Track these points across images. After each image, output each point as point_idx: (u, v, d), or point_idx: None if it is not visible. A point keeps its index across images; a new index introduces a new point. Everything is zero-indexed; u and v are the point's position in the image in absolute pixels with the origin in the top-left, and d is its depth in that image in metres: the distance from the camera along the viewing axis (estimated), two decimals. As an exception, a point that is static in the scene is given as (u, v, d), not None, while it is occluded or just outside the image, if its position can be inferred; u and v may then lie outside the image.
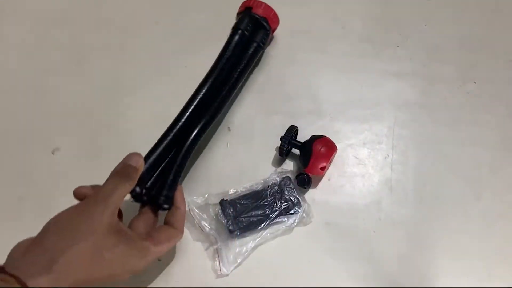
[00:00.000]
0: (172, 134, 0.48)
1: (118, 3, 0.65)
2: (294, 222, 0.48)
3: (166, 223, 0.43)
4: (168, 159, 0.48)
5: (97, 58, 0.60)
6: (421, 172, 0.54)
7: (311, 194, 0.51)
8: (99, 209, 0.35)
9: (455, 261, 0.49)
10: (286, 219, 0.48)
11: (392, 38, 0.63)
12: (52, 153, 0.53)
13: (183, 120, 0.49)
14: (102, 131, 0.55)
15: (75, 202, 0.38)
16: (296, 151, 0.53)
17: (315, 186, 0.52)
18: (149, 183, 0.45)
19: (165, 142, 0.47)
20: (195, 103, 0.51)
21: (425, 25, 0.63)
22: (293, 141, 0.52)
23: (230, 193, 0.49)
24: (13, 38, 0.62)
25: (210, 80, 0.52)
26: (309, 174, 0.50)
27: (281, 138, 0.51)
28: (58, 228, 0.34)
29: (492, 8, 0.65)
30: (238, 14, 0.58)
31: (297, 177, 0.50)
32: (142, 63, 0.60)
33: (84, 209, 0.36)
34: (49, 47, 0.61)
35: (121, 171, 0.39)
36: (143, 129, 0.55)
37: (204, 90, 0.51)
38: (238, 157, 0.54)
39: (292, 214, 0.48)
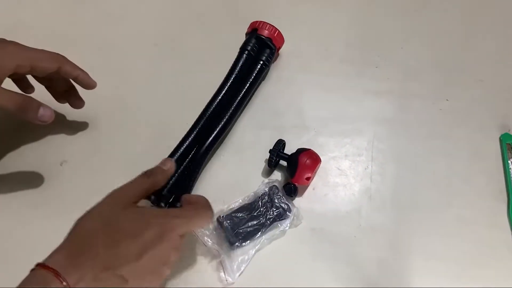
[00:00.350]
0: (183, 148, 0.52)
1: (119, 27, 0.67)
2: (287, 225, 0.51)
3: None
4: (181, 168, 0.51)
5: (101, 77, 0.61)
6: (398, 182, 0.56)
7: (298, 202, 0.53)
8: (113, 201, 0.38)
9: (430, 263, 0.51)
10: (279, 224, 0.51)
11: (371, 60, 0.64)
12: (61, 165, 0.55)
13: (194, 134, 0.53)
14: (106, 144, 0.57)
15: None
16: (283, 163, 0.55)
17: (301, 195, 0.54)
18: (165, 191, 0.49)
19: (178, 154, 0.51)
20: (205, 117, 0.54)
21: (401, 48, 0.65)
22: (281, 154, 0.54)
23: (224, 209, 0.51)
24: None
25: (220, 96, 0.56)
26: (296, 184, 0.52)
27: (270, 151, 0.53)
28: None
29: (462, 33, 0.67)
30: (246, 34, 0.61)
31: (284, 186, 0.52)
32: (143, 82, 0.62)
33: (102, 203, 0.38)
34: None
35: (149, 171, 0.42)
36: (146, 142, 0.57)
37: (214, 106, 0.55)
38: (231, 168, 0.56)
39: (284, 219, 0.51)
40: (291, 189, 0.52)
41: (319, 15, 0.68)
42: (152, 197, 0.47)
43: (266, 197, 0.52)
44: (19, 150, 0.56)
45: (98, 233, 0.35)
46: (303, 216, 0.52)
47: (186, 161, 0.52)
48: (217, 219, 0.50)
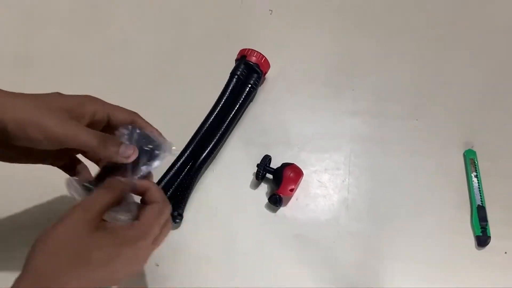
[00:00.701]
0: (180, 163, 0.54)
1: (121, 52, 0.69)
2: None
3: (144, 203, 0.39)
4: (178, 181, 0.54)
5: (108, 99, 0.63)
6: (372, 193, 0.58)
7: (283, 211, 0.56)
8: (78, 219, 0.33)
9: (401, 265, 0.54)
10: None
11: (349, 83, 0.67)
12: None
13: (189, 150, 0.56)
14: None
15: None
16: (270, 176, 0.58)
17: (286, 204, 0.57)
18: None
19: (174, 169, 0.54)
20: (199, 135, 0.57)
21: (376, 72, 0.68)
22: (267, 168, 0.57)
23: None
24: (42, 89, 0.64)
25: (212, 117, 0.59)
26: (281, 194, 0.55)
27: (258, 165, 0.56)
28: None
29: (430, 59, 0.69)
30: (236, 60, 0.64)
31: (270, 197, 0.55)
32: (143, 102, 0.61)
33: (64, 222, 0.33)
34: (66, 91, 0.62)
35: (107, 184, 0.37)
36: None
37: (207, 125, 0.58)
38: (223, 181, 0.58)
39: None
40: (277, 200, 0.55)
41: (302, 43, 0.71)
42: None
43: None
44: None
45: (65, 261, 0.31)
46: (287, 224, 0.55)
47: (182, 174, 0.55)
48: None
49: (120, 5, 0.73)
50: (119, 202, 0.37)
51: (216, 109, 0.60)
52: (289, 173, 0.55)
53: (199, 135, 0.58)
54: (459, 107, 0.66)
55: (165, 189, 0.54)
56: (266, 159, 0.57)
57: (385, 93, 0.67)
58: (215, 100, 0.60)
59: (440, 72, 0.69)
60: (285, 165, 0.56)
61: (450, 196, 0.59)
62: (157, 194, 0.39)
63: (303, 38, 0.72)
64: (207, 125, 0.58)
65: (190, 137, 0.58)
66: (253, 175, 0.59)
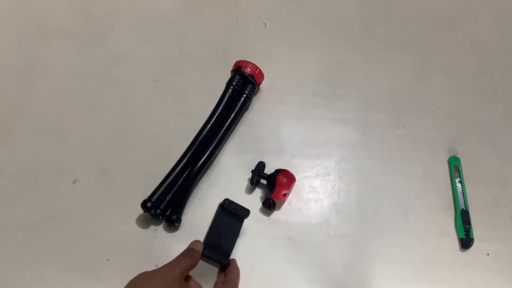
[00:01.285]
0: (179, 168, 0.56)
1: (123, 65, 0.71)
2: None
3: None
4: (176, 186, 0.56)
5: (108, 107, 0.65)
6: (361, 197, 0.61)
7: (276, 215, 0.58)
8: (169, 272, 0.43)
9: (388, 267, 0.56)
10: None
11: (338, 93, 0.69)
12: (73, 183, 0.59)
13: (187, 157, 0.57)
14: (112, 166, 0.61)
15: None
16: (264, 181, 0.59)
17: (279, 209, 0.59)
18: (162, 206, 0.54)
19: (174, 174, 0.56)
20: (197, 143, 0.58)
21: (364, 83, 0.70)
22: (261, 174, 0.59)
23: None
24: (45, 99, 0.66)
25: (209, 125, 0.60)
26: (274, 199, 0.57)
27: (252, 171, 0.58)
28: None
29: (416, 70, 0.72)
30: (231, 71, 0.65)
31: (264, 201, 0.57)
32: (144, 111, 0.66)
33: (159, 272, 0.43)
34: (70, 100, 0.66)
35: (186, 252, 0.47)
36: (147, 164, 0.61)
37: (204, 133, 0.59)
38: (219, 186, 0.60)
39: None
40: (270, 204, 0.57)
41: (295, 56, 0.73)
42: (152, 211, 0.53)
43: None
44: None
45: None
46: (280, 227, 0.57)
47: (181, 179, 0.57)
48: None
49: (122, 20, 0.75)
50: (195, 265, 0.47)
51: (213, 117, 0.61)
52: (282, 179, 0.57)
53: (197, 142, 0.59)
54: (444, 116, 0.69)
55: (164, 193, 0.55)
56: (261, 165, 0.59)
57: (373, 103, 0.69)
58: (212, 109, 0.62)
59: (425, 82, 0.72)
60: (278, 171, 0.58)
61: (435, 200, 0.62)
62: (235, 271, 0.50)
63: (295, 51, 0.74)
64: (204, 133, 0.60)
65: (188, 144, 0.60)
66: (248, 180, 0.61)
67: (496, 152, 0.66)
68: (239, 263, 0.51)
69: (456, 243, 0.59)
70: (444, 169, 0.64)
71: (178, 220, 0.55)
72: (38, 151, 0.62)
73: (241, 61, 0.65)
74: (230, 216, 0.52)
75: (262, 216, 0.59)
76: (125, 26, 0.75)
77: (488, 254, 0.58)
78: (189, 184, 0.57)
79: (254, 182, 0.59)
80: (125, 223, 0.57)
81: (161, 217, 0.55)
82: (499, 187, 0.63)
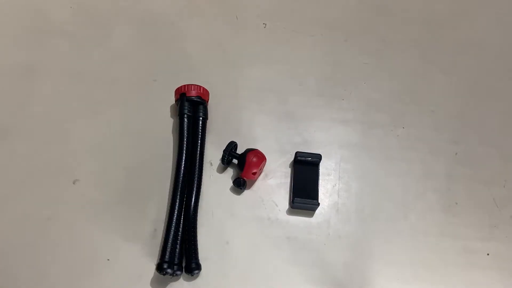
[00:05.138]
0: (175, 216, 0.53)
1: (123, 65, 0.71)
2: None
3: None
4: (180, 233, 0.53)
5: (108, 108, 0.65)
6: (361, 197, 0.60)
7: (276, 215, 0.58)
8: None
9: (388, 267, 0.56)
10: None
11: (338, 93, 0.68)
12: (73, 183, 0.60)
13: (177, 203, 0.54)
14: (114, 167, 0.61)
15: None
16: (235, 161, 0.59)
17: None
18: (176, 260, 0.52)
19: (173, 225, 0.53)
20: (180, 182, 0.56)
21: (364, 83, 0.70)
22: (232, 153, 0.59)
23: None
24: (45, 99, 0.66)
25: (183, 162, 0.57)
26: (244, 178, 0.57)
27: (224, 151, 0.58)
28: None
29: (416, 70, 0.72)
30: (176, 100, 0.62)
31: (234, 180, 0.57)
32: (144, 112, 0.66)
33: None
34: (71, 99, 0.66)
35: None
36: (147, 165, 0.61)
37: (182, 170, 0.56)
38: (217, 187, 0.60)
39: None
40: (240, 182, 0.57)
41: (295, 56, 0.73)
42: (170, 270, 0.51)
43: None
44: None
45: None
46: (280, 226, 0.57)
47: (180, 225, 0.54)
48: None
49: (122, 20, 0.75)
50: None
51: (182, 153, 0.58)
52: (252, 158, 0.57)
53: (180, 182, 0.56)
54: (444, 115, 0.68)
55: (173, 246, 0.52)
56: (232, 144, 0.59)
57: (374, 102, 0.69)
58: (177, 145, 0.60)
59: (426, 82, 0.72)
60: (248, 150, 0.58)
61: (435, 201, 0.61)
62: None
63: (295, 51, 0.74)
64: (182, 171, 0.57)
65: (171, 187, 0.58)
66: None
67: (496, 152, 0.66)
68: (239, 263, 0.51)
69: (456, 243, 0.59)
70: (444, 169, 0.64)
71: (199, 267, 0.53)
72: (38, 151, 0.62)
73: (181, 86, 0.61)
74: (304, 165, 0.59)
75: (261, 216, 0.59)
76: (125, 26, 0.75)
77: (488, 254, 0.58)
78: (192, 226, 0.54)
79: (225, 161, 0.59)
80: (125, 223, 0.57)
81: (179, 272, 0.52)
82: (499, 187, 0.63)
